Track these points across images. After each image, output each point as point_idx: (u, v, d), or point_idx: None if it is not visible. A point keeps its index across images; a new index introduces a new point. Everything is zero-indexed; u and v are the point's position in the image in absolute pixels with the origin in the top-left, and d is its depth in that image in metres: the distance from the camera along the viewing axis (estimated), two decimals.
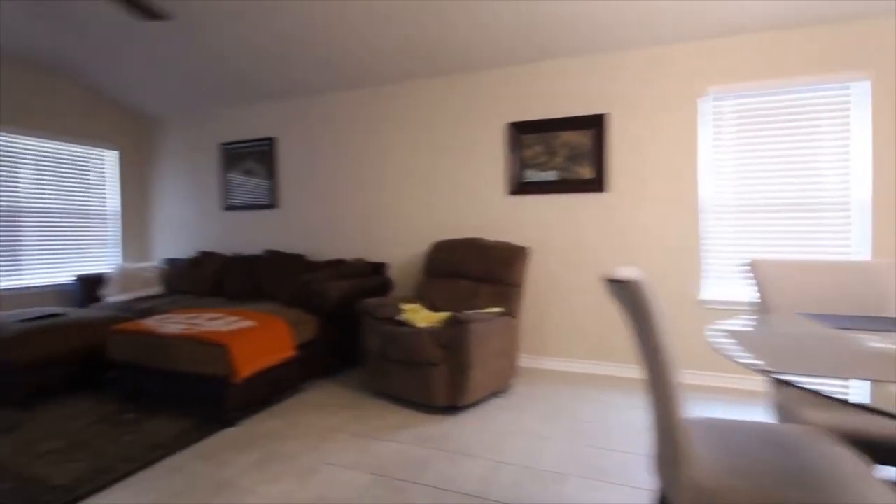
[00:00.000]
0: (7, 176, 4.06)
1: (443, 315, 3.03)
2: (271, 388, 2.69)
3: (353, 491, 1.85)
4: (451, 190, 3.78)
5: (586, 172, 3.35)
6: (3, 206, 4.03)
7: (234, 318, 2.77)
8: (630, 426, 2.46)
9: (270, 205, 4.49)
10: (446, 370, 2.55)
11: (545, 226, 3.49)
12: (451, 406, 2.61)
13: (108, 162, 4.86)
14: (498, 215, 3.63)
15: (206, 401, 2.47)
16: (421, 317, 2.97)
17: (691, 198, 3.11)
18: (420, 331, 2.63)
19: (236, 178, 4.65)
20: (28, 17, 3.34)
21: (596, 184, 3.32)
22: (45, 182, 4.33)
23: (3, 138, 4.02)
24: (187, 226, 5.00)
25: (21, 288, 4.15)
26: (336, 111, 4.21)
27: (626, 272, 1.30)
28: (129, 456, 2.13)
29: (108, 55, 3.88)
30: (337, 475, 1.97)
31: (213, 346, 2.38)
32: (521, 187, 3.54)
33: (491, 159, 3.64)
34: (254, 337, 2.52)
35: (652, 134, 3.19)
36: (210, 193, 4.83)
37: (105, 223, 4.86)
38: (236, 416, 2.48)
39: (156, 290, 4.47)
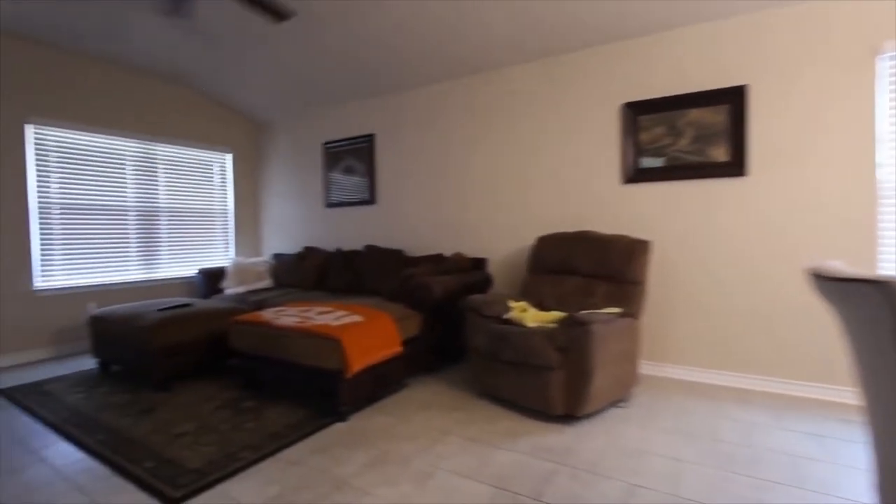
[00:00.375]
0: (148, 179, 4.53)
1: (555, 314, 2.80)
2: (377, 384, 2.65)
3: (475, 502, 1.71)
4: (556, 181, 3.52)
5: (720, 155, 2.91)
6: (144, 206, 4.51)
7: (343, 313, 2.77)
8: (786, 453, 2.06)
9: (369, 201, 4.55)
10: (564, 375, 2.32)
11: (666, 217, 3.10)
12: (568, 415, 2.38)
13: (226, 164, 5.26)
14: (610, 207, 3.30)
15: (319, 393, 2.49)
16: (530, 316, 2.76)
17: (865, 179, 2.55)
18: (535, 331, 2.43)
19: (337, 175, 4.78)
20: (166, 37, 3.65)
21: (733, 167, 2.87)
22: (176, 184, 4.77)
23: (145, 146, 4.49)
24: (292, 222, 5.26)
25: (156, 280, 4.62)
26: (432, 104, 4.13)
27: (839, 266, 1.00)
28: (250, 444, 2.19)
29: (225, 65, 4.16)
30: (454, 483, 1.84)
31: (326, 339, 2.38)
32: (637, 175, 3.18)
33: (602, 145, 3.32)
34: (363, 332, 2.49)
35: (810, 105, 2.68)
36: (313, 191, 5.02)
37: (224, 221, 5.27)
38: (347, 410, 2.46)
39: (266, 283, 4.74)
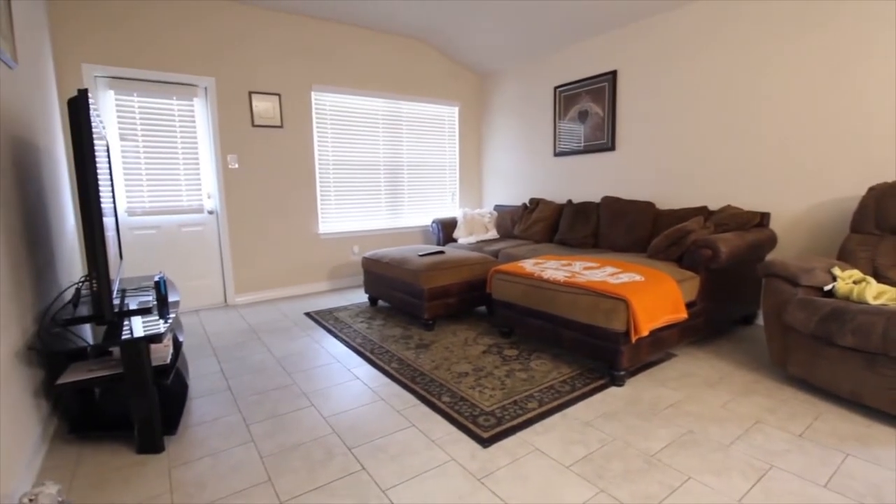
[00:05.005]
0: (394, 136, 4.97)
1: None
2: (651, 350, 2.39)
3: None
4: (888, 114, 2.54)
5: None
6: (391, 161, 4.99)
7: (614, 269, 2.55)
8: None
9: (607, 147, 4.13)
10: None
11: None
12: None
13: (455, 117, 5.43)
14: None
15: (592, 353, 2.35)
16: (872, 290, 2.09)
17: None
18: None
19: (568, 121, 4.46)
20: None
21: None
22: (415, 139, 5.14)
23: (392, 104, 4.89)
24: (515, 173, 5.20)
25: (399, 228, 5.14)
26: (693, 26, 3.39)
27: None
28: (532, 394, 2.19)
29: (455, 15, 4.12)
30: (807, 490, 1.49)
31: (611, 298, 2.19)
32: None
33: None
34: (650, 293, 2.22)
35: None
36: (540, 140, 4.83)
37: (452, 173, 5.53)
38: (624, 375, 2.28)
39: (492, 234, 4.83)
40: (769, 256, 3.12)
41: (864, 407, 2.01)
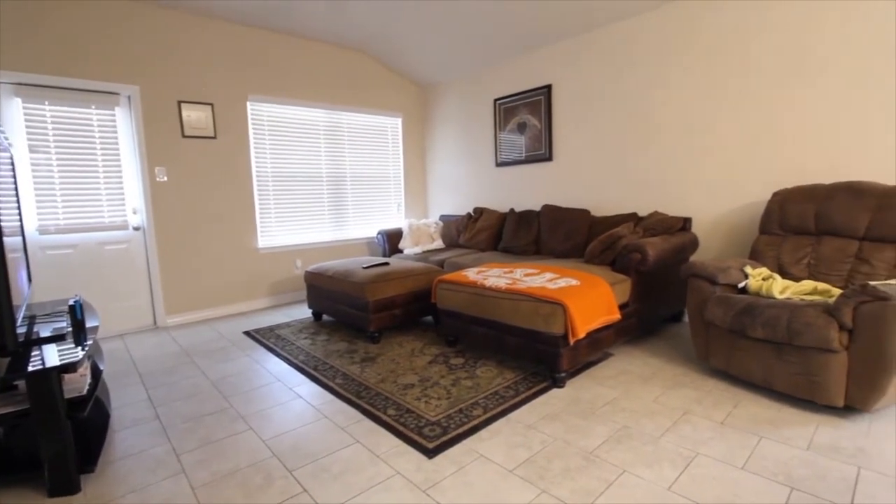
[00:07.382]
0: (337, 148, 4.90)
1: (811, 284, 2.30)
2: (589, 351, 2.49)
3: (768, 502, 1.46)
4: (800, 126, 2.84)
5: None
6: (334, 173, 4.91)
7: (552, 275, 2.64)
8: None
9: (545, 157, 4.29)
10: (847, 360, 1.88)
11: None
12: (848, 408, 1.95)
13: (397, 128, 5.44)
14: (880, 155, 2.56)
15: (534, 357, 2.41)
16: (777, 286, 2.31)
17: None
18: (807, 306, 2.00)
19: (508, 133, 4.60)
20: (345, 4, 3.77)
21: None
22: (358, 151, 5.09)
23: (334, 115, 4.82)
24: (460, 183, 5.28)
25: (344, 240, 5.05)
26: (619, 44, 3.63)
27: None
28: (476, 402, 2.22)
29: (392, 30, 4.17)
30: (727, 473, 1.61)
31: (549, 303, 2.27)
32: None
33: (872, 74, 2.55)
34: (585, 296, 2.32)
35: None
36: (482, 151, 4.94)
37: (396, 184, 5.52)
38: (564, 376, 2.36)
39: (438, 243, 4.87)
40: (693, 258, 3.36)
41: (774, 392, 2.20)
